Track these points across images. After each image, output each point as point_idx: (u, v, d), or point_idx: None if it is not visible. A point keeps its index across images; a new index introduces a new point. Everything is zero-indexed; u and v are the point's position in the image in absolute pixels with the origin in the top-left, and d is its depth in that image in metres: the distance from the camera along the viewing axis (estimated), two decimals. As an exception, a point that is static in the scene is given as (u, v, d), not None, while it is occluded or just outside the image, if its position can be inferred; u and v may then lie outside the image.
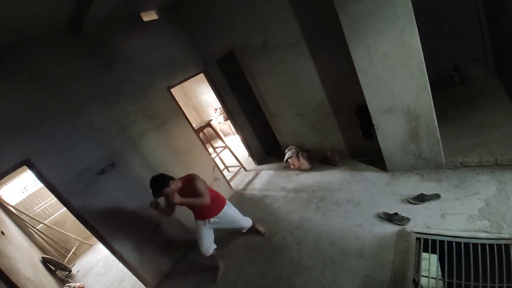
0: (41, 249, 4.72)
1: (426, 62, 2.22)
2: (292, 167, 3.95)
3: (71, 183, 2.59)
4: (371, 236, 2.29)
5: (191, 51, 4.00)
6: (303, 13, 2.88)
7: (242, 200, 3.98)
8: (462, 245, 1.86)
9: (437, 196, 2.32)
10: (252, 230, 2.92)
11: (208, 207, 2.38)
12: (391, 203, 2.52)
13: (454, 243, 1.90)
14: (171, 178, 2.22)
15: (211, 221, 2.50)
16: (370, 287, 1.91)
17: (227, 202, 2.59)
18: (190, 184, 2.26)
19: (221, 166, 5.01)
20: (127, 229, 2.92)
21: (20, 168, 2.42)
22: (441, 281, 1.83)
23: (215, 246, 2.65)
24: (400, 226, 2.23)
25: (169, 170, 3.39)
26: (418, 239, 2.05)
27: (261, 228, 2.90)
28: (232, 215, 2.60)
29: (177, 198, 2.15)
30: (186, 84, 5.31)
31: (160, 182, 2.13)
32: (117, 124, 3.00)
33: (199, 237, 2.54)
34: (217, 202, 2.50)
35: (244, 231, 2.82)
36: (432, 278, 1.83)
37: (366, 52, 2.40)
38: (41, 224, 5.03)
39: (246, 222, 2.73)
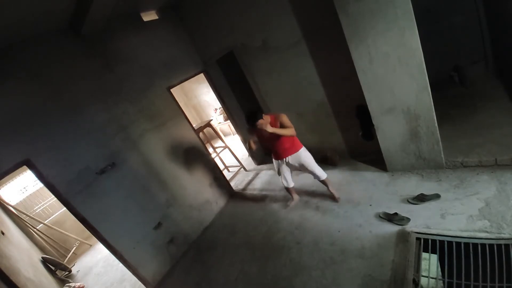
0: (41, 249, 4.71)
1: (426, 62, 2.22)
2: (292, 167, 3.97)
3: (71, 183, 2.59)
4: (371, 236, 2.30)
5: (191, 51, 4.00)
6: (303, 13, 2.88)
7: (242, 200, 3.98)
8: (462, 245, 1.86)
9: (437, 196, 2.32)
10: (327, 191, 2.98)
11: (287, 146, 2.70)
12: (391, 203, 2.52)
13: (454, 243, 1.90)
14: (263, 113, 2.58)
15: (288, 159, 2.77)
16: (370, 287, 1.91)
17: (303, 147, 2.79)
18: (276, 120, 2.59)
19: (221, 166, 5.01)
20: (127, 228, 2.92)
21: (20, 168, 2.42)
22: (441, 281, 1.83)
23: (293, 184, 3.08)
24: (400, 226, 2.23)
25: (169, 169, 3.41)
26: (418, 239, 2.05)
27: (335, 193, 2.91)
28: (306, 159, 2.75)
29: (269, 128, 2.45)
30: (186, 84, 5.31)
31: (256, 114, 2.48)
32: (117, 124, 3.00)
33: (280, 173, 2.95)
34: (295, 143, 2.74)
35: (320, 180, 2.85)
36: (432, 278, 1.83)
37: (366, 52, 2.40)
38: (41, 224, 5.03)
39: (319, 171, 2.78)
